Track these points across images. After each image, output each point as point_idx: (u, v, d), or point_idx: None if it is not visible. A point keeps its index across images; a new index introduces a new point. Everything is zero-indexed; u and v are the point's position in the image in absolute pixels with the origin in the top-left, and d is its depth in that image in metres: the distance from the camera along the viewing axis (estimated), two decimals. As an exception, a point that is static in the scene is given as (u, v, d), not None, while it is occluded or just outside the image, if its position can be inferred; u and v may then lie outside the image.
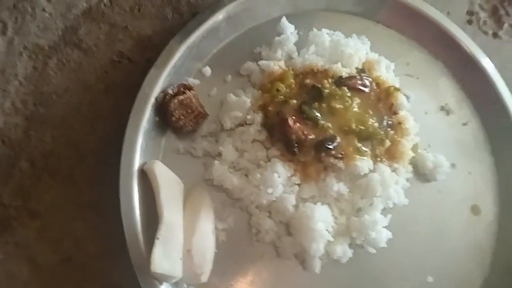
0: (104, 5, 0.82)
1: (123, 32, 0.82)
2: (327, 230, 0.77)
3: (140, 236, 0.71)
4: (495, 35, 1.04)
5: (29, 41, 0.79)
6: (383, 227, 0.80)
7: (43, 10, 0.80)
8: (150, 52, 0.81)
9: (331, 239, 0.77)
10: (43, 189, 0.74)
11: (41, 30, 0.79)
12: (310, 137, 0.77)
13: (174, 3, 0.86)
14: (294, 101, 0.79)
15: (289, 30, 0.87)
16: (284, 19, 0.87)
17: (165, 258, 0.68)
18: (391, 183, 0.81)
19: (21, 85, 0.77)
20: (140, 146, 0.75)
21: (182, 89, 0.78)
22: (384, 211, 0.82)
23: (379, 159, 0.81)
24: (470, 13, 1.04)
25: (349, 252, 0.79)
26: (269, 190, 0.75)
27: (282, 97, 0.79)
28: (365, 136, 0.80)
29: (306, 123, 0.78)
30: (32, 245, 0.72)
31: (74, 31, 0.80)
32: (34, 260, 0.72)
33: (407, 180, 0.85)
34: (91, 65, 0.80)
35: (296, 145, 0.77)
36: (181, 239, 0.71)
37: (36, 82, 0.77)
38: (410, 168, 0.85)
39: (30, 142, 0.75)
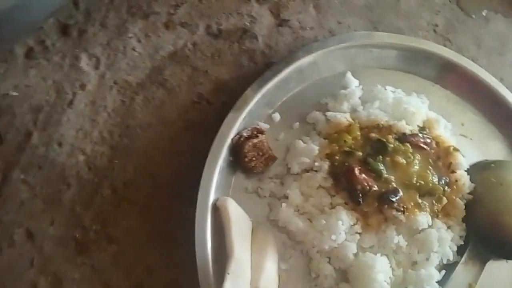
0: (188, 49, 0.88)
1: (204, 76, 0.87)
2: (385, 281, 0.78)
3: (211, 270, 0.73)
4: (544, 102, 1.08)
5: (119, 77, 0.84)
6: (437, 281, 0.82)
7: (133, 49, 0.86)
8: (226, 96, 0.86)
9: (389, 290, 0.78)
10: (122, 216, 0.77)
11: (131, 67, 0.85)
12: (374, 188, 0.80)
13: (250, 52, 0.91)
14: (360, 153, 0.83)
15: (354, 84, 0.91)
16: (349, 74, 0.92)
17: (235, 293, 0.70)
18: (447, 240, 0.83)
19: (109, 117, 0.82)
20: (215, 182, 0.78)
21: (255, 133, 0.82)
22: (438, 267, 0.83)
23: (436, 215, 0.84)
24: (521, 79, 1.08)
25: (405, 304, 0.80)
26: (333, 237, 0.77)
27: (349, 148, 0.83)
28: (425, 192, 0.83)
29: (371, 175, 0.81)
30: (107, 269, 0.74)
31: (160, 71, 0.86)
32: (108, 284, 0.74)
33: (461, 237, 0.86)
34: (173, 103, 0.85)
35: (360, 195, 0.80)
36: (249, 275, 0.73)
37: (123, 115, 0.82)
38: (464, 226, 0.87)
39: (113, 171, 0.79)
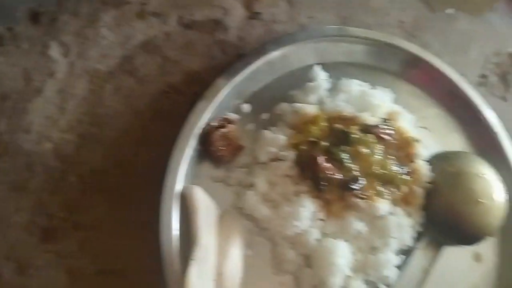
0: (160, 39, 0.89)
1: (174, 66, 0.88)
2: (346, 265, 0.81)
3: (176, 257, 0.74)
4: (503, 98, 1.12)
5: (89, 65, 0.84)
6: (395, 266, 0.85)
7: (105, 38, 0.87)
8: (196, 86, 0.87)
9: (350, 274, 0.81)
10: (89, 203, 0.78)
11: (101, 56, 0.85)
12: (337, 176, 0.83)
13: (222, 44, 0.92)
14: (325, 143, 0.85)
15: (322, 77, 0.94)
16: (317, 67, 0.94)
17: (199, 279, 0.71)
18: (406, 226, 0.86)
19: (78, 105, 0.82)
20: (183, 171, 0.80)
21: (224, 123, 0.84)
22: (397, 252, 0.87)
23: (396, 203, 0.87)
24: (483, 76, 1.12)
25: (364, 288, 0.84)
26: (296, 223, 0.80)
27: (314, 138, 0.86)
28: (386, 180, 0.86)
29: (334, 163, 0.84)
30: (72, 256, 0.75)
31: (130, 60, 0.86)
32: (72, 270, 0.75)
33: (419, 224, 0.90)
34: (143, 93, 0.85)
35: (323, 183, 0.82)
36: (214, 261, 0.75)
37: (92, 103, 0.83)
38: (422, 213, 0.90)
39: (81, 158, 0.80)
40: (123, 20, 0.88)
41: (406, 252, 0.88)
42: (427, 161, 0.93)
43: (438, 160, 0.96)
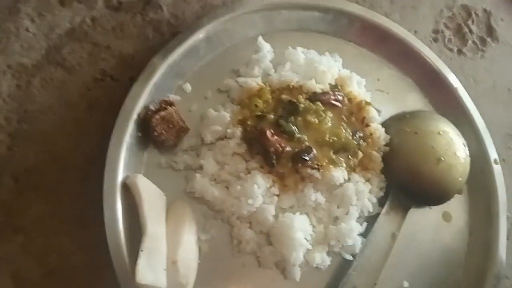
0: (87, 25, 0.85)
1: (106, 51, 0.85)
2: (306, 238, 0.80)
3: (124, 249, 0.71)
4: (459, 52, 1.11)
5: (13, 60, 0.80)
6: (359, 234, 0.84)
7: (27, 30, 0.82)
8: (132, 71, 0.83)
9: (310, 247, 0.80)
10: (27, 204, 0.75)
11: (25, 49, 0.81)
12: (287, 149, 0.81)
13: (155, 23, 0.89)
14: (272, 116, 0.83)
15: (266, 48, 0.91)
16: (260, 38, 0.91)
17: (150, 270, 0.69)
18: (365, 192, 0.85)
19: (5, 103, 0.78)
20: (123, 161, 0.76)
21: (163, 105, 0.81)
22: (360, 219, 0.86)
23: (353, 170, 0.86)
24: (436, 31, 1.11)
25: (328, 260, 0.82)
26: (250, 201, 0.78)
27: (260, 112, 0.83)
28: (339, 148, 0.84)
29: (283, 136, 0.81)
30: (16, 260, 0.72)
31: (57, 50, 0.82)
32: (18, 274, 0.72)
33: (381, 189, 0.89)
34: (75, 83, 0.82)
35: (274, 157, 0.80)
36: (165, 250, 0.73)
37: (20, 100, 0.79)
38: (383, 177, 0.89)
39: (14, 158, 0.76)
40: (45, 9, 0.84)
41: (371, 219, 0.87)
42: (383, 123, 0.92)
43: (395, 122, 0.94)
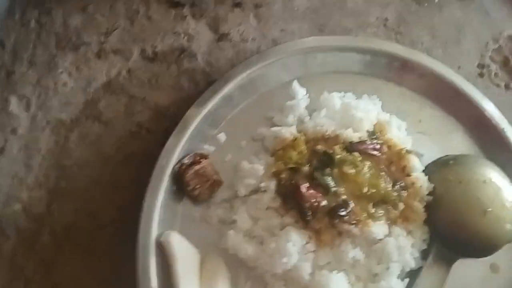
0: (123, 77, 0.88)
1: (141, 104, 0.87)
2: (343, 298, 0.78)
3: (159, 311, 0.73)
4: (507, 87, 1.06)
5: (51, 115, 0.84)
6: (400, 291, 0.82)
7: (65, 85, 0.86)
8: (167, 122, 0.85)
9: (349, 307, 0.78)
10: (65, 261, 0.77)
11: (63, 104, 0.85)
12: (323, 203, 0.79)
13: (190, 72, 0.90)
14: (306, 168, 0.82)
15: (300, 93, 0.90)
16: (295, 83, 0.91)
17: (184, 333, 0.70)
18: (407, 246, 0.82)
19: (44, 159, 0.82)
20: (157, 216, 0.78)
21: (198, 158, 0.82)
22: (401, 275, 0.83)
23: (394, 222, 0.83)
24: (481, 66, 1.06)
25: (367, 320, 0.80)
26: (284, 260, 0.77)
27: (294, 164, 0.82)
28: (378, 200, 0.82)
29: (319, 189, 0.80)
30: (53, 318, 0.75)
31: (94, 104, 0.85)
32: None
33: (424, 241, 0.86)
34: (111, 137, 0.84)
35: (309, 212, 0.79)
36: (199, 311, 0.73)
37: (57, 155, 0.82)
38: (426, 229, 0.86)
39: (52, 215, 0.79)
40: (82, 62, 0.87)
41: (413, 274, 0.84)
42: (425, 170, 0.89)
43: (438, 168, 0.91)
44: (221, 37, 0.94)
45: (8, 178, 0.80)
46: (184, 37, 0.92)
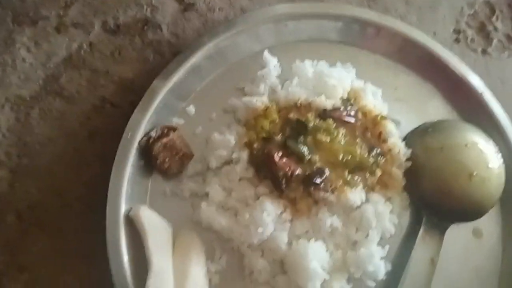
0: (84, 51, 0.84)
1: (105, 77, 0.84)
2: (322, 267, 0.76)
3: (131, 285, 0.70)
4: (484, 52, 1.05)
5: (11, 92, 0.80)
6: (381, 258, 0.80)
7: (23, 60, 0.82)
8: (133, 96, 0.82)
9: (327, 276, 0.76)
10: (31, 241, 0.75)
11: (22, 80, 0.81)
12: (298, 172, 0.77)
13: (155, 44, 0.87)
14: (279, 137, 0.80)
15: (272, 63, 0.88)
16: (266, 52, 0.88)
17: (157, 307, 0.67)
18: (386, 213, 0.81)
19: (4, 137, 0.78)
20: (125, 192, 0.75)
21: (165, 131, 0.79)
22: (381, 241, 0.81)
23: (371, 189, 0.82)
24: (457, 31, 1.05)
25: (348, 288, 0.79)
26: (259, 230, 0.75)
27: (267, 133, 0.80)
28: (354, 167, 0.80)
29: (293, 158, 0.78)
30: (21, 300, 0.72)
31: (55, 80, 0.82)
32: (24, 314, 0.71)
33: (403, 208, 0.84)
34: (74, 112, 0.81)
35: (283, 181, 0.77)
36: (172, 285, 0.71)
37: (19, 133, 0.79)
38: (405, 195, 0.84)
39: (16, 195, 0.76)
40: (41, 37, 0.84)
41: (391, 241, 0.82)
42: (405, 138, 0.87)
43: (418, 138, 0.89)
44: (187, 7, 0.91)
45: (-32, 158, 0.76)
46: (147, 9, 0.89)
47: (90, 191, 0.78)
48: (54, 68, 0.82)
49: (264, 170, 0.78)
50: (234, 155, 0.80)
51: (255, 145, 0.79)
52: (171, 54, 0.87)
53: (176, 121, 0.83)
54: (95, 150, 0.80)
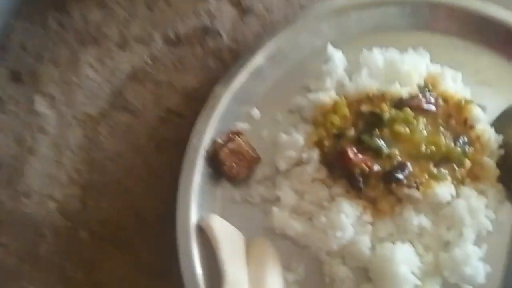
0: (147, 64, 0.85)
1: (168, 88, 0.83)
2: (412, 272, 0.69)
3: (205, 298, 0.68)
4: None
5: (77, 110, 0.82)
6: (479, 259, 0.71)
7: (89, 78, 0.84)
8: (197, 104, 0.80)
9: (419, 282, 0.69)
10: (104, 257, 0.75)
11: (89, 98, 0.83)
12: (376, 168, 0.71)
13: (216, 52, 0.86)
14: (351, 132, 0.74)
15: (336, 56, 0.82)
16: (329, 46, 0.83)
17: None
18: (481, 208, 0.72)
19: (74, 154, 0.80)
20: (195, 201, 0.73)
21: (231, 136, 0.77)
22: (478, 240, 0.73)
23: (461, 182, 0.74)
24: (544, 4, 0.94)
25: (443, 294, 0.70)
26: (338, 234, 0.70)
27: (337, 129, 0.75)
28: (440, 158, 0.73)
29: (369, 153, 0.72)
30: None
31: (120, 95, 0.83)
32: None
33: (499, 201, 0.75)
34: (140, 125, 0.81)
35: (361, 179, 0.71)
36: (248, 297, 0.67)
37: (88, 149, 0.80)
38: (500, 187, 0.75)
39: (87, 211, 0.77)
40: (104, 55, 0.85)
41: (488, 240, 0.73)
42: (493, 123, 0.79)
43: (508, 120, 0.80)
44: (245, 11, 0.89)
45: (40, 178, 0.78)
46: (206, 17, 0.88)
47: (160, 202, 0.77)
48: (118, 83, 0.83)
49: (338, 168, 0.73)
50: (304, 156, 0.75)
51: (326, 143, 0.74)
52: (232, 59, 0.85)
53: (241, 125, 0.80)
54: (164, 162, 0.79)
